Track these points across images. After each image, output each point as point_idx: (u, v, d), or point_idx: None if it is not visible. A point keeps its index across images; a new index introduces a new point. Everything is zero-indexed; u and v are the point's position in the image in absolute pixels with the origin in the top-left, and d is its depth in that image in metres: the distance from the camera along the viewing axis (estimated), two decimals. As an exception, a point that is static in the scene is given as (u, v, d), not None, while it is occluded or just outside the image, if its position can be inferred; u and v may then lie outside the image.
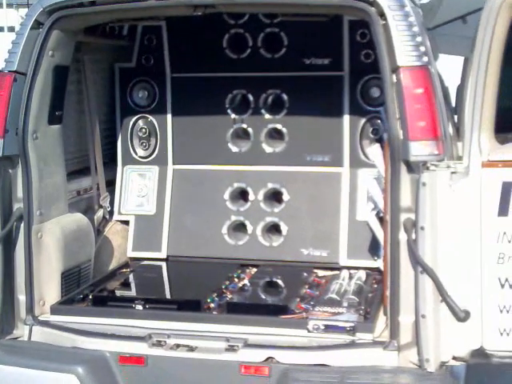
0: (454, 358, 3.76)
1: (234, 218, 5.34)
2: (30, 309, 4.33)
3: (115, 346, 4.03)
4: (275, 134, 5.35)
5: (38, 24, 4.27)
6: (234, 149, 5.38)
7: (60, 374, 3.99)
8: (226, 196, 5.36)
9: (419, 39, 3.76)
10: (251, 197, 5.33)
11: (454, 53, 5.69)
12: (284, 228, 5.25)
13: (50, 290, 4.46)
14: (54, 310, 4.38)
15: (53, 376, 4.00)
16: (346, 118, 5.16)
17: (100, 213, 5.36)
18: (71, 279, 4.64)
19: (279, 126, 5.31)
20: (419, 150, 3.71)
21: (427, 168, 3.68)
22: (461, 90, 3.98)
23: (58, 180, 4.60)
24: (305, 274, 4.98)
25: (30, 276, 4.33)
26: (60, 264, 4.49)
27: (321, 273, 5.06)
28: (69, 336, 4.16)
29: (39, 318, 4.35)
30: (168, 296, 4.87)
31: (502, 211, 3.66)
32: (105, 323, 4.26)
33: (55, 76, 4.42)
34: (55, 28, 4.29)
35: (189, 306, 4.35)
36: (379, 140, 4.95)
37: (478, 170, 3.69)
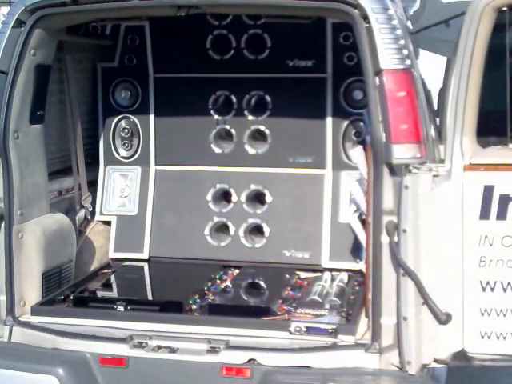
0: (436, 361, 3.76)
1: (216, 219, 5.33)
2: (11, 309, 4.30)
3: (96, 348, 4.01)
4: (258, 136, 5.35)
5: (19, 23, 4.23)
6: (217, 150, 5.37)
7: (40, 375, 3.97)
8: (209, 197, 5.35)
9: (402, 42, 3.76)
10: (234, 198, 5.32)
11: (437, 53, 5.72)
12: (266, 229, 5.24)
13: (31, 291, 4.42)
14: (35, 311, 4.36)
15: (33, 377, 3.98)
16: (329, 120, 5.16)
17: (82, 213, 5.33)
18: (52, 280, 4.60)
19: (262, 128, 5.30)
20: (401, 152, 3.72)
21: (409, 171, 3.68)
22: (443, 92, 3.98)
23: (39, 180, 4.57)
24: (287, 276, 4.97)
25: (11, 276, 4.30)
26: (41, 264, 4.46)
27: (303, 274, 5.06)
28: (49, 337, 4.14)
29: (19, 318, 4.32)
30: (150, 297, 4.86)
31: (484, 215, 3.67)
32: (86, 324, 4.24)
33: (37, 75, 4.38)
34: (37, 27, 4.26)
35: (170, 308, 4.33)
36: (362, 142, 4.94)
37: (459, 174, 3.70)
